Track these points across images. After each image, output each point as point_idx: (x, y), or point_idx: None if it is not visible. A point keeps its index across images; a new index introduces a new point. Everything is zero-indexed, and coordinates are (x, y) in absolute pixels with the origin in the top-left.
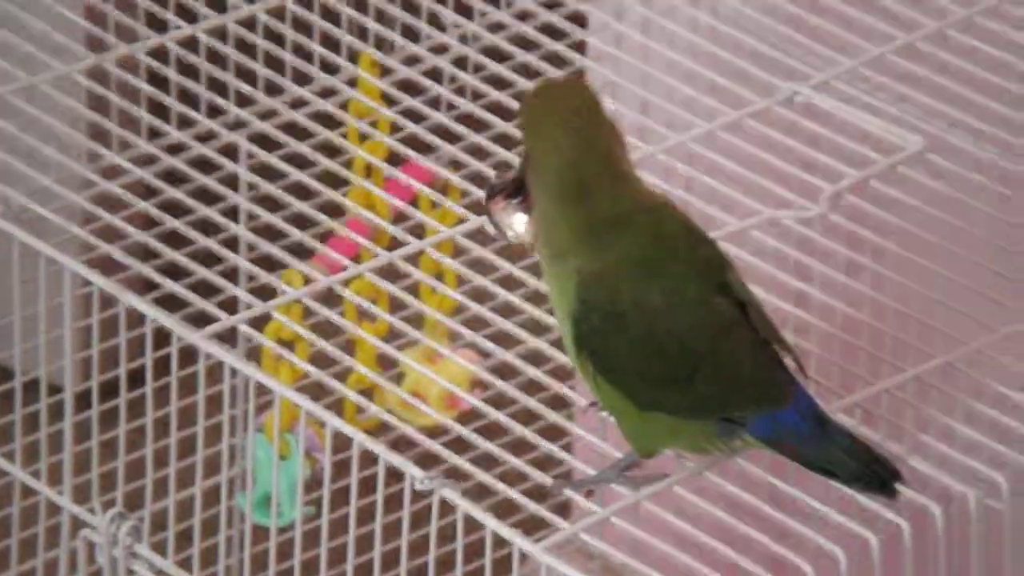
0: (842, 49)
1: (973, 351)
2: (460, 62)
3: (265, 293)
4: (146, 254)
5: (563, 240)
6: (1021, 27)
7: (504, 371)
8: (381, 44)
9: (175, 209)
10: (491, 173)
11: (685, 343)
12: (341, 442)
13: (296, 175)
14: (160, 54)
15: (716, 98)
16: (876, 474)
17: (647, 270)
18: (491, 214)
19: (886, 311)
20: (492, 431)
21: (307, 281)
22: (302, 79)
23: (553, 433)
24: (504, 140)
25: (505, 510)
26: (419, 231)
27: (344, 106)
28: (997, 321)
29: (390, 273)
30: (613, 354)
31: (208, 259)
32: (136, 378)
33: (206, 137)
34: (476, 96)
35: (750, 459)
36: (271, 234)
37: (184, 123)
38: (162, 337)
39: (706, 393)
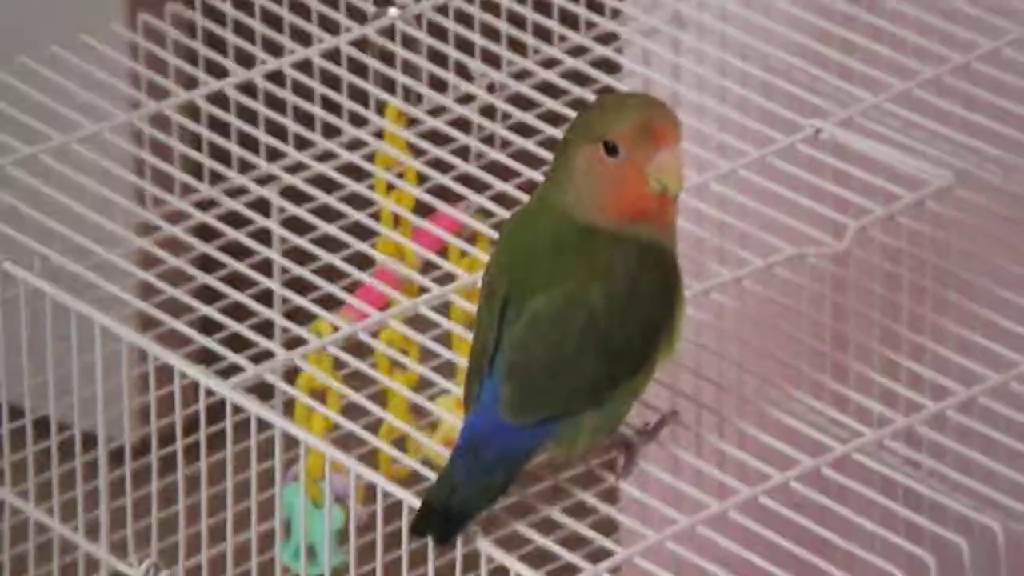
0: (867, 85)
1: (1000, 383)
2: (487, 111)
3: (298, 345)
4: (181, 310)
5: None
6: None
7: None
8: (408, 95)
9: (209, 264)
10: None
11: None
12: (374, 492)
13: (325, 227)
14: (192, 110)
15: (743, 137)
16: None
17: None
18: None
19: (922, 346)
20: (525, 479)
21: (336, 331)
22: (330, 131)
23: (587, 480)
24: (532, 188)
25: (538, 559)
26: (449, 281)
27: (371, 158)
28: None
29: (420, 322)
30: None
31: (242, 313)
32: (174, 432)
33: (237, 192)
34: (504, 144)
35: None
36: (301, 286)
37: (216, 179)
38: (197, 392)
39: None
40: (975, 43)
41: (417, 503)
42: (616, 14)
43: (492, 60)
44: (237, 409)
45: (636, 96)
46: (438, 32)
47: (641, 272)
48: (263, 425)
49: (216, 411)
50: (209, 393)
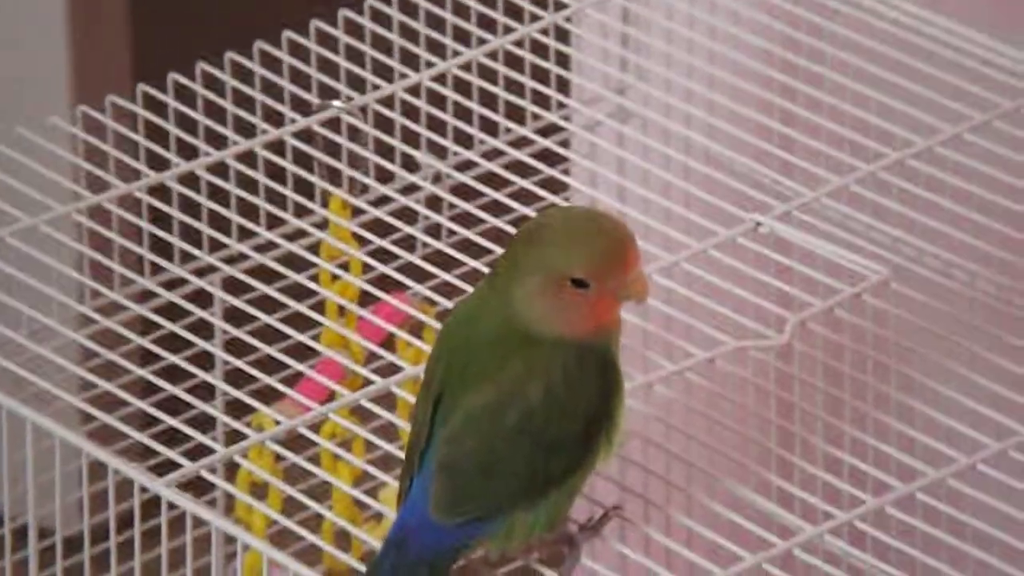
0: (806, 180)
1: (937, 480)
2: (432, 202)
3: (239, 438)
4: (120, 403)
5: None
6: (984, 158)
7: None
8: (353, 186)
9: (148, 357)
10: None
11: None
12: None
13: (266, 319)
14: (132, 202)
15: (686, 230)
16: None
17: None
18: None
19: (863, 443)
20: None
21: (278, 424)
22: (275, 222)
23: None
24: (476, 277)
25: None
26: (392, 371)
27: (315, 248)
28: (968, 447)
29: (364, 414)
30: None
31: (183, 405)
32: (121, 528)
33: (178, 283)
34: (450, 234)
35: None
36: (244, 378)
37: (156, 270)
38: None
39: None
40: (910, 141)
41: None
42: (561, 107)
43: (438, 151)
44: (173, 505)
45: (590, 221)
46: (383, 124)
47: (580, 371)
48: (200, 521)
49: (153, 507)
50: (143, 489)
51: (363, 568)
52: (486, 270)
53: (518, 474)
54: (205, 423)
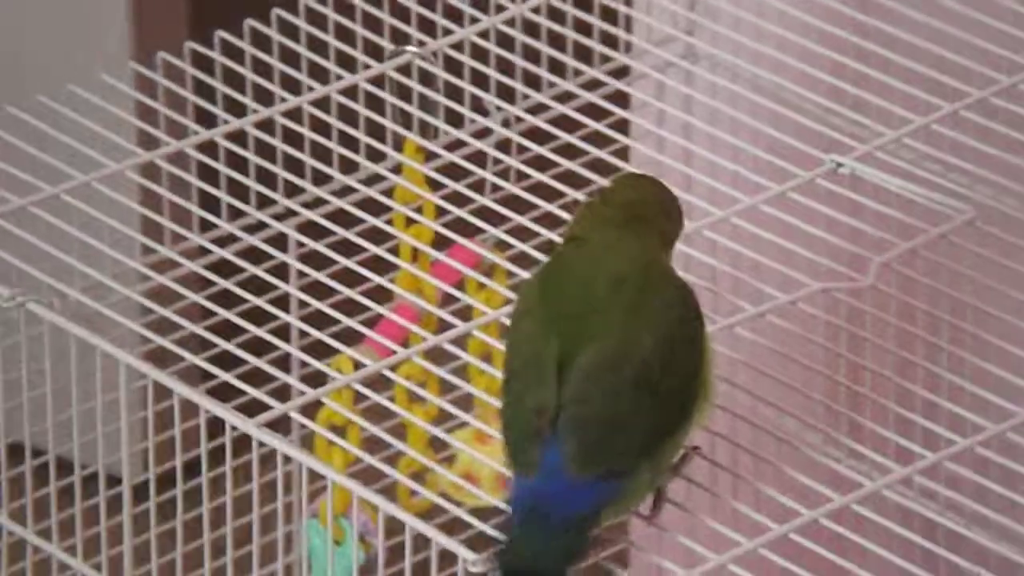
0: (885, 120)
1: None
2: (503, 146)
3: (317, 380)
4: (201, 345)
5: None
6: None
7: None
8: (425, 131)
9: (228, 300)
10: (536, 255)
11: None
12: (394, 526)
13: (344, 262)
14: (209, 149)
15: (760, 172)
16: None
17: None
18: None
19: (940, 382)
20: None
21: (357, 366)
22: (349, 167)
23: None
24: (548, 220)
25: None
26: (466, 314)
27: (390, 192)
28: None
29: (439, 356)
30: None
31: (262, 348)
32: (194, 468)
33: (256, 228)
34: (520, 177)
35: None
36: (321, 321)
37: (235, 215)
38: (220, 427)
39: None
40: (992, 79)
41: (438, 536)
42: (629, 48)
43: (507, 95)
44: (260, 444)
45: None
46: (454, 68)
47: (684, 324)
48: (284, 460)
49: (237, 446)
50: (234, 428)
51: (444, 503)
52: (558, 213)
53: (641, 427)
54: (279, 366)
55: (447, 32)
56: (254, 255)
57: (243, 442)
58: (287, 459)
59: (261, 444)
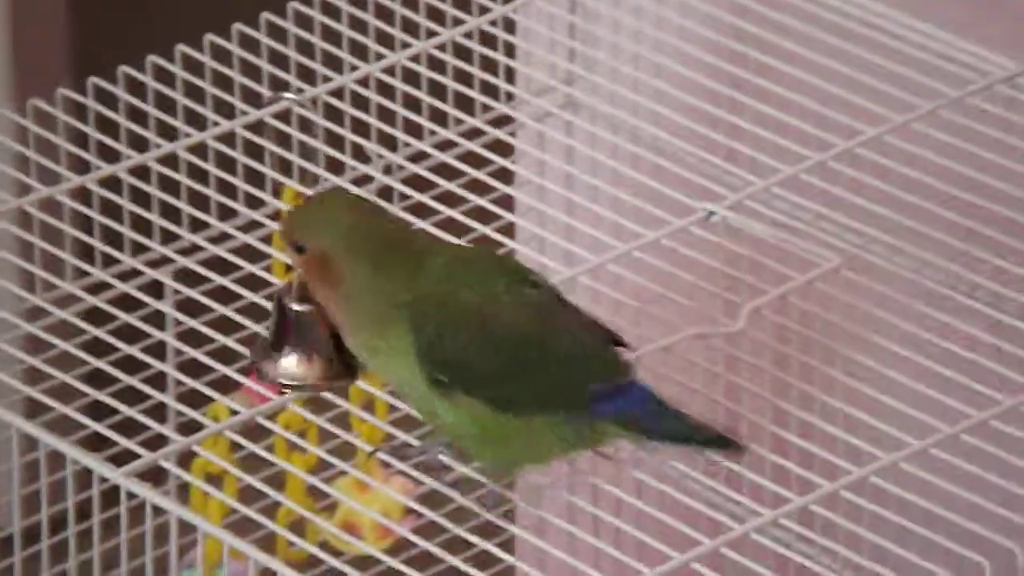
0: (758, 171)
1: (889, 464)
2: (384, 193)
3: (193, 428)
4: (73, 394)
5: (388, 298)
6: (930, 146)
7: (435, 500)
8: (305, 177)
9: (103, 348)
10: None
11: (522, 330)
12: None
13: (221, 310)
14: (83, 194)
15: (640, 221)
16: (721, 437)
17: (464, 283)
18: (266, 377)
19: (813, 430)
20: (425, 560)
21: (233, 414)
22: (227, 214)
23: (487, 559)
24: None
25: None
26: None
27: (268, 239)
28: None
29: (319, 403)
30: (463, 367)
31: (140, 397)
32: (73, 519)
33: (131, 275)
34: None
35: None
36: (198, 369)
37: (109, 262)
38: (89, 478)
39: (557, 375)
40: (856, 131)
41: None
42: (511, 98)
43: (388, 142)
44: (131, 495)
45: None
46: (334, 115)
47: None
48: (158, 511)
49: (108, 497)
50: (103, 479)
51: (323, 554)
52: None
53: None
54: (154, 415)
55: (327, 79)
56: (129, 302)
57: (115, 493)
58: (158, 510)
59: (131, 495)
